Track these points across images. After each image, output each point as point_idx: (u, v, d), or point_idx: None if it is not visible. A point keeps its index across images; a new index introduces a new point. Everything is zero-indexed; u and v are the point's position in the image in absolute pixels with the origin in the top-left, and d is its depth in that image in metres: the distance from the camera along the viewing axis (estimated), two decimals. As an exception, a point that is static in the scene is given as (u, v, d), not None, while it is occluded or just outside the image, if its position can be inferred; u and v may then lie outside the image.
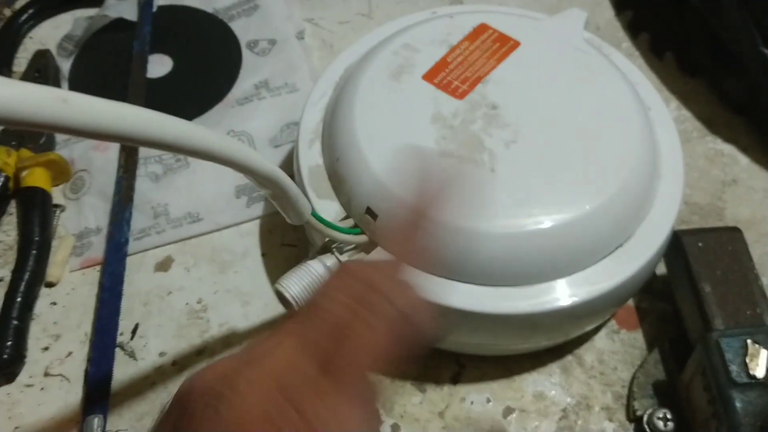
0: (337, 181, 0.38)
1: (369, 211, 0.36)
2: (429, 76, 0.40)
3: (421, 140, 0.37)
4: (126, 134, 0.22)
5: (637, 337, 0.42)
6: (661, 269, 0.44)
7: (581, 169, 0.37)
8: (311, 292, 0.33)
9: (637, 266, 0.37)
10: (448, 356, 0.41)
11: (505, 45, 0.42)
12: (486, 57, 0.41)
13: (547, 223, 0.35)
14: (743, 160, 0.49)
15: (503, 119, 0.38)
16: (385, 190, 0.36)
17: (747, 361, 0.35)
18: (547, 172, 0.37)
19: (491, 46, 0.42)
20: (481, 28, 0.42)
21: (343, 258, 0.35)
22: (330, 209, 0.38)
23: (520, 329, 0.37)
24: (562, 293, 0.35)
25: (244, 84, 0.54)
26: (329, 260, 0.35)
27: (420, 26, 0.43)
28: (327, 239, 0.35)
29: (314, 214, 0.34)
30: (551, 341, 0.40)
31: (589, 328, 0.40)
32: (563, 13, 0.44)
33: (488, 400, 0.40)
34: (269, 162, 0.28)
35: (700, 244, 0.40)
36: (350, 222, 0.37)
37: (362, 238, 0.36)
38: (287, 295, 0.33)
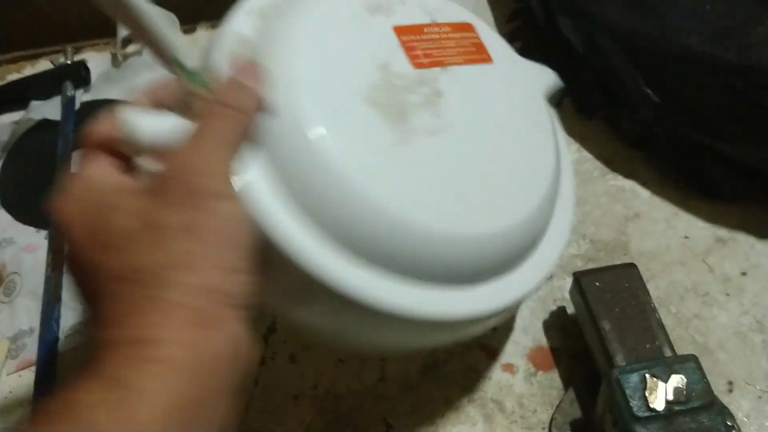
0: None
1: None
2: (400, 31, 0.39)
3: (356, 75, 0.36)
4: None
5: (554, 378, 0.44)
6: (572, 308, 0.46)
7: (489, 186, 0.36)
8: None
9: (519, 295, 0.36)
10: (377, 417, 0.43)
11: (479, 54, 0.41)
12: (457, 51, 0.40)
13: (425, 219, 0.33)
14: (644, 193, 0.51)
15: (440, 108, 0.37)
16: (292, 87, 0.33)
17: (647, 394, 0.37)
18: (454, 176, 0.36)
19: (467, 46, 0.41)
20: (467, 26, 0.42)
21: None
22: None
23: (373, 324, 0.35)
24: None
25: (167, 170, 0.56)
26: None
27: None
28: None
29: (176, 60, 0.33)
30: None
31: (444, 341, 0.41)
32: (539, 65, 0.45)
33: (416, 457, 0.41)
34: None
35: (597, 284, 0.42)
36: None
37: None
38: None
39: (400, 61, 0.37)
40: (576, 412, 0.42)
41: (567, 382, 0.43)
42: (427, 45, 0.39)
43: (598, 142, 0.54)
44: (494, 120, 0.39)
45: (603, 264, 0.48)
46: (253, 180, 0.32)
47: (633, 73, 0.50)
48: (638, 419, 0.37)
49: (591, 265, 0.48)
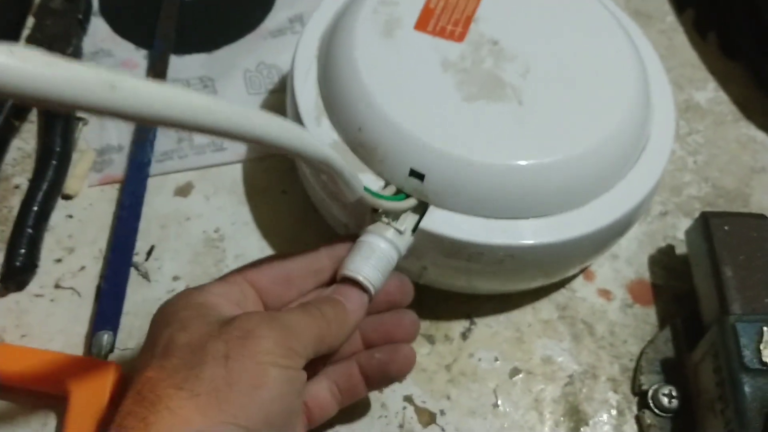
0: (365, 151, 0.36)
1: (414, 173, 0.35)
2: (420, 26, 0.39)
3: (441, 89, 0.37)
4: (175, 121, 0.22)
5: (650, 313, 0.42)
6: (682, 249, 0.43)
7: (587, 101, 0.37)
8: (381, 270, 0.33)
9: (627, 209, 0.37)
10: (461, 312, 0.41)
11: None
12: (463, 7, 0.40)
13: (572, 151, 0.35)
14: (775, 149, 0.48)
15: (509, 52, 0.38)
16: (426, 147, 0.35)
17: (761, 347, 0.35)
18: (563, 99, 0.37)
19: None
20: None
21: (402, 227, 0.35)
22: (365, 181, 0.35)
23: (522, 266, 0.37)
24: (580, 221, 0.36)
25: (278, 16, 0.53)
26: (387, 232, 0.34)
27: None
28: (374, 212, 0.35)
29: (366, 189, 0.33)
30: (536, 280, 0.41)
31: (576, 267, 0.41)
32: None
33: (496, 359, 0.40)
34: (321, 144, 0.28)
35: (726, 228, 0.40)
36: (392, 189, 0.36)
37: (412, 202, 0.36)
38: (361, 279, 0.33)
39: (448, 48, 0.38)
40: (669, 351, 0.40)
41: (663, 320, 0.42)
42: (446, 16, 0.39)
43: (737, 85, 0.50)
44: (546, 29, 0.40)
45: (720, 210, 0.46)
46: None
47: (802, 18, 0.46)
48: (747, 370, 0.35)
49: (708, 209, 0.45)
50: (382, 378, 0.34)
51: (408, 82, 0.37)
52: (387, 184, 0.36)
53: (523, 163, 0.35)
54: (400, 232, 0.35)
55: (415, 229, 0.35)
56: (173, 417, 0.25)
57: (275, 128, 0.25)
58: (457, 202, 0.35)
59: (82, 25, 0.50)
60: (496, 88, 0.37)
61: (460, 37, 0.39)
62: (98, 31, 0.51)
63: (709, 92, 0.50)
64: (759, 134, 0.49)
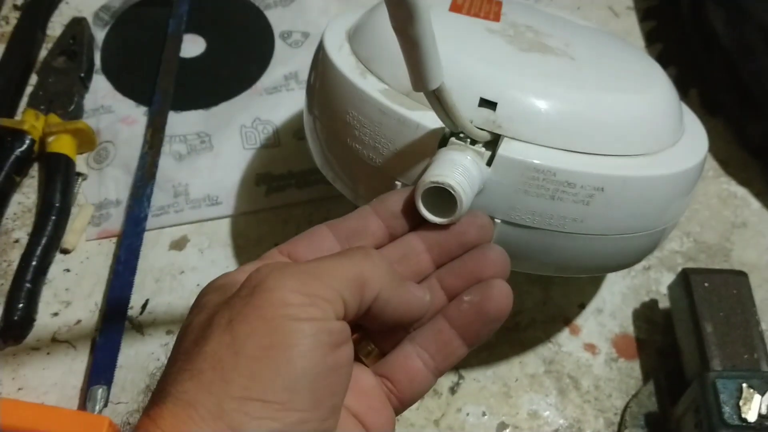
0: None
1: (484, 102, 0.32)
2: (455, 10, 0.39)
3: (493, 43, 0.36)
4: None
5: (634, 367, 0.43)
6: (665, 303, 0.45)
7: (629, 72, 0.39)
8: (468, 185, 0.29)
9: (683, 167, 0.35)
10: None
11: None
12: (488, 5, 0.41)
13: (625, 97, 0.35)
14: (755, 204, 0.50)
15: (546, 33, 0.39)
16: (497, 75, 0.33)
17: (740, 404, 0.36)
18: (609, 65, 0.39)
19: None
20: None
21: (481, 150, 0.31)
22: (428, 119, 0.32)
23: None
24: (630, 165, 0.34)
25: (274, 73, 0.54)
26: (468, 150, 0.31)
27: None
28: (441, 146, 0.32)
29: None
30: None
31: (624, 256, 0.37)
32: None
33: (484, 414, 0.41)
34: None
35: (706, 284, 0.41)
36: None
37: (485, 135, 0.32)
38: (453, 183, 0.28)
39: (487, 23, 0.38)
40: (652, 406, 0.41)
41: (647, 374, 0.43)
42: (474, 10, 0.40)
43: (717, 141, 0.52)
44: (580, 31, 0.42)
45: (702, 266, 0.47)
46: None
47: (778, 79, 0.48)
48: (727, 426, 0.36)
49: (690, 264, 0.47)
50: (479, 324, 0.28)
51: (459, 36, 0.36)
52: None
53: (603, 94, 0.34)
54: (480, 154, 0.31)
55: (489, 163, 0.31)
56: (176, 404, 0.22)
57: None
58: (535, 131, 0.32)
59: (84, 83, 0.52)
60: (545, 48, 0.37)
61: (496, 18, 0.39)
62: (99, 88, 0.53)
63: (691, 149, 0.52)
64: (740, 190, 0.50)
